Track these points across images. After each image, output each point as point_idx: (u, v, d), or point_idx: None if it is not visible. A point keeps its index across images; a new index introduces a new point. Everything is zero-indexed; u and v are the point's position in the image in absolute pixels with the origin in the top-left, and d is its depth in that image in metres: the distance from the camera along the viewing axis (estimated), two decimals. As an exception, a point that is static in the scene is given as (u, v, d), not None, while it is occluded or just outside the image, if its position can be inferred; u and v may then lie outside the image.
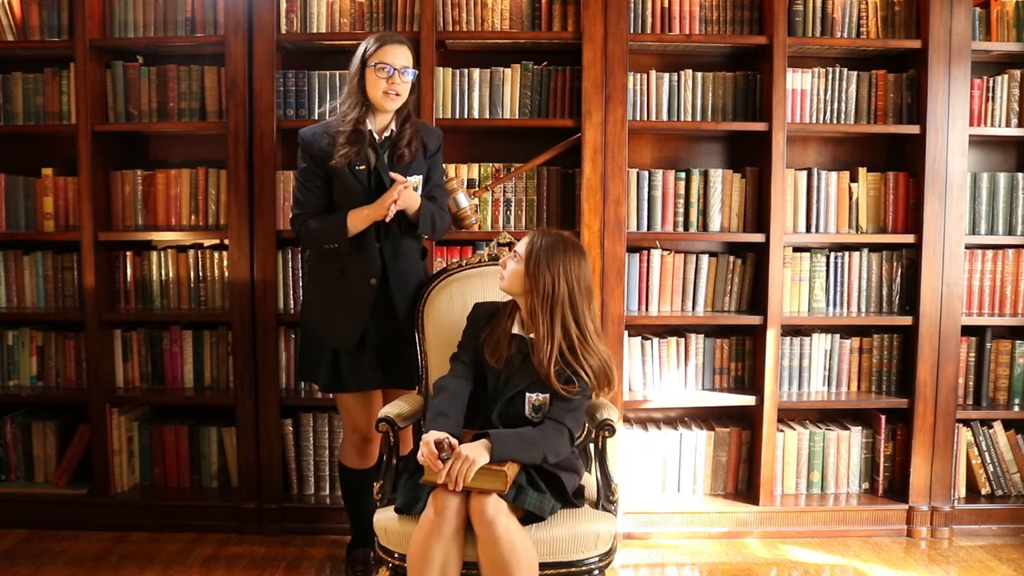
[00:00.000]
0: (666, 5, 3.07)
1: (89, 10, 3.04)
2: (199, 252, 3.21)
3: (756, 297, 3.19)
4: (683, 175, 3.17)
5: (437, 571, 2.00)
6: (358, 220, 2.50)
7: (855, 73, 3.15)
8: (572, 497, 2.19)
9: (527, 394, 2.23)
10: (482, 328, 2.32)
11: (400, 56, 2.50)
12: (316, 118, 3.07)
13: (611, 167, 3.03)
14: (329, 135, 2.53)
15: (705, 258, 3.21)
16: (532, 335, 2.24)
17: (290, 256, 3.13)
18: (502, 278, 2.29)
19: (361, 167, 2.53)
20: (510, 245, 2.65)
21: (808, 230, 3.19)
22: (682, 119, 3.14)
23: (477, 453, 2.02)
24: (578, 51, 3.02)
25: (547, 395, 2.21)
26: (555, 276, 2.19)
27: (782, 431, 3.20)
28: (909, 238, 3.13)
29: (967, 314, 3.18)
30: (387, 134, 2.57)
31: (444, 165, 2.85)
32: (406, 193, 2.48)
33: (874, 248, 3.22)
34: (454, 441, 2.06)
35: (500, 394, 2.25)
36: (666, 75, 3.13)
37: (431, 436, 2.06)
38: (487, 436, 2.06)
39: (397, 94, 2.50)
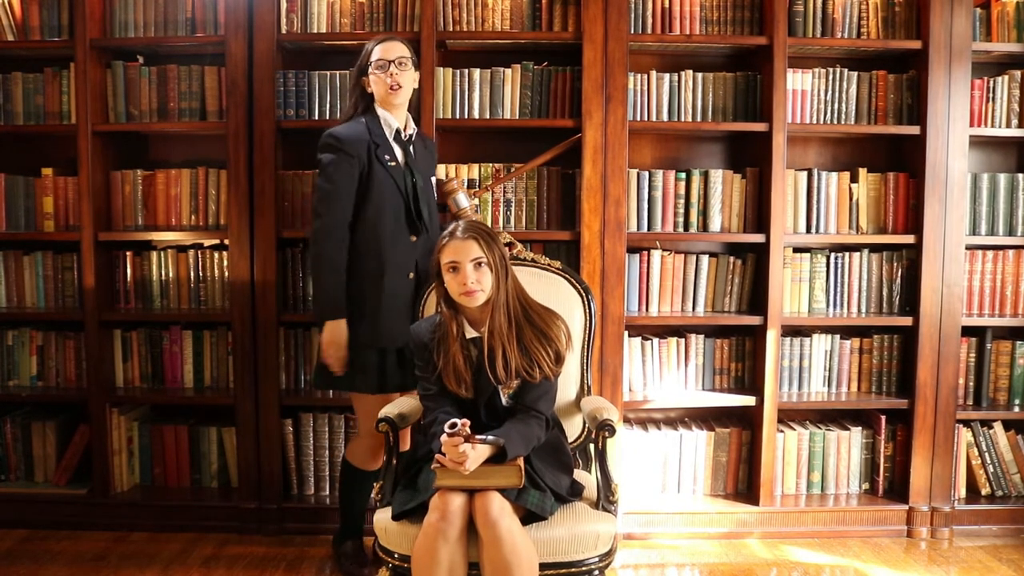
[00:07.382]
0: (666, 5, 3.07)
1: (89, 10, 3.04)
2: (199, 252, 3.21)
3: (756, 297, 3.19)
4: (683, 175, 3.17)
5: (445, 575, 1.99)
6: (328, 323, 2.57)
7: (855, 74, 3.14)
8: (567, 494, 2.21)
9: (498, 387, 2.24)
10: (432, 352, 2.26)
11: (393, 50, 2.59)
12: (316, 118, 3.07)
13: (611, 167, 3.03)
14: (362, 132, 2.58)
15: (705, 258, 3.21)
16: (484, 329, 2.22)
17: (290, 256, 3.13)
18: (481, 291, 2.20)
19: (392, 163, 2.60)
20: (511, 245, 2.65)
21: (808, 231, 3.19)
22: (682, 119, 3.14)
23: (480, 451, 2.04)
24: (578, 51, 3.02)
25: (517, 380, 2.23)
26: (499, 243, 2.25)
27: (782, 431, 3.20)
28: (909, 239, 3.13)
29: (967, 315, 3.18)
30: (411, 132, 2.67)
31: (444, 165, 3.07)
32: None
33: (874, 249, 3.22)
34: (464, 421, 2.05)
35: (478, 401, 2.25)
36: (666, 75, 3.13)
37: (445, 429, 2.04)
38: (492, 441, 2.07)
39: (400, 85, 2.58)
